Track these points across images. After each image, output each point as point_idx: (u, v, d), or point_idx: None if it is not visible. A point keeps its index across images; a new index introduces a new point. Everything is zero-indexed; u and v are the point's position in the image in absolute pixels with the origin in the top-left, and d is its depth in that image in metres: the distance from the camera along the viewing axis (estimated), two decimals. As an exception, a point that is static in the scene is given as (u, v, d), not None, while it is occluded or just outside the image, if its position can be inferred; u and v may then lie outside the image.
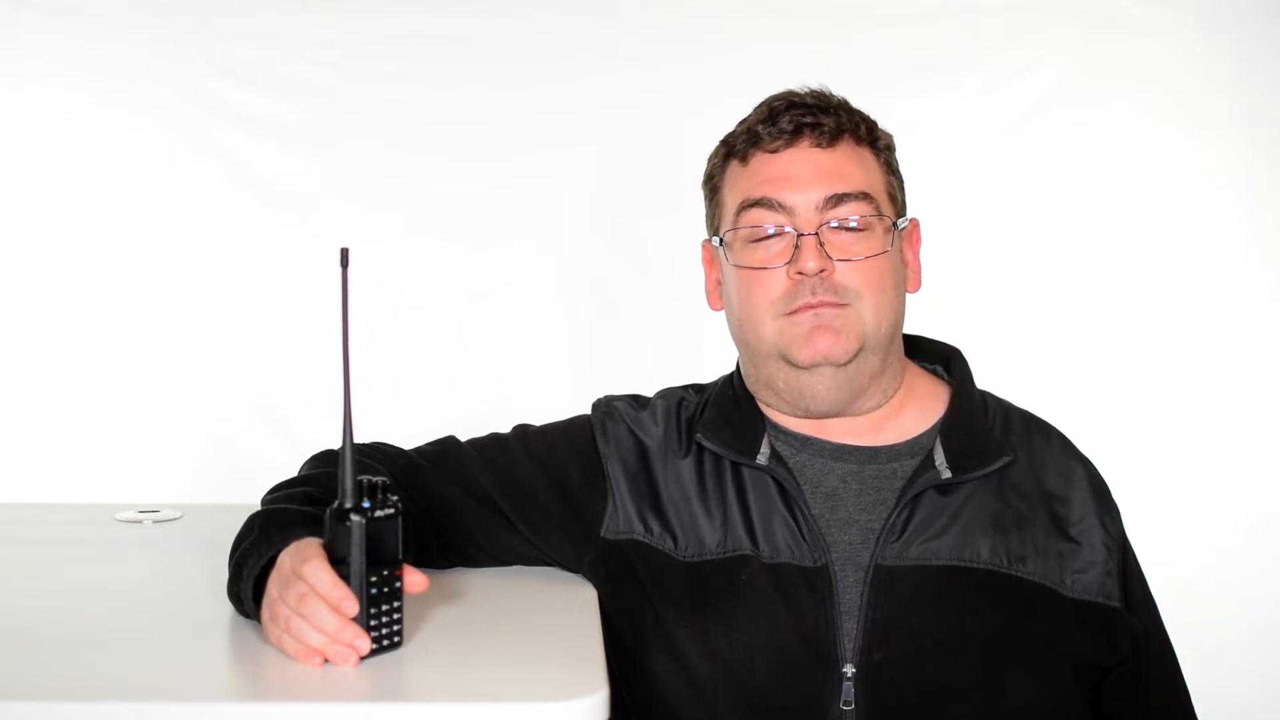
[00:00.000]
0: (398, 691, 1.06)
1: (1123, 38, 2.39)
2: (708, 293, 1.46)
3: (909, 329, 1.45)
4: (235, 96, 2.41)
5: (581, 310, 2.46)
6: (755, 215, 1.36)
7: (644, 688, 1.34)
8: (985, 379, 1.46)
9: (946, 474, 1.33)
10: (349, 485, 1.09)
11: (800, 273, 1.33)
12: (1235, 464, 2.38)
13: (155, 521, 1.71)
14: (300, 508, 1.23)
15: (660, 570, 1.36)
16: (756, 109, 1.41)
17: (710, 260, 1.46)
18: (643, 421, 1.43)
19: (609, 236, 2.45)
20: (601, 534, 1.39)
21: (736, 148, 1.40)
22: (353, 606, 1.07)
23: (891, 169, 1.41)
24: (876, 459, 1.38)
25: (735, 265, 1.38)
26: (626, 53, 2.43)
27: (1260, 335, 2.40)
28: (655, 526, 1.37)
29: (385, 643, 1.10)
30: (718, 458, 1.39)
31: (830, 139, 1.37)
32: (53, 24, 2.38)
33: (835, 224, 1.35)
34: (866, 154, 1.39)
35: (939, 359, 1.48)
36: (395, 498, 1.11)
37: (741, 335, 1.40)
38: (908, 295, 1.42)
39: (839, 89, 1.42)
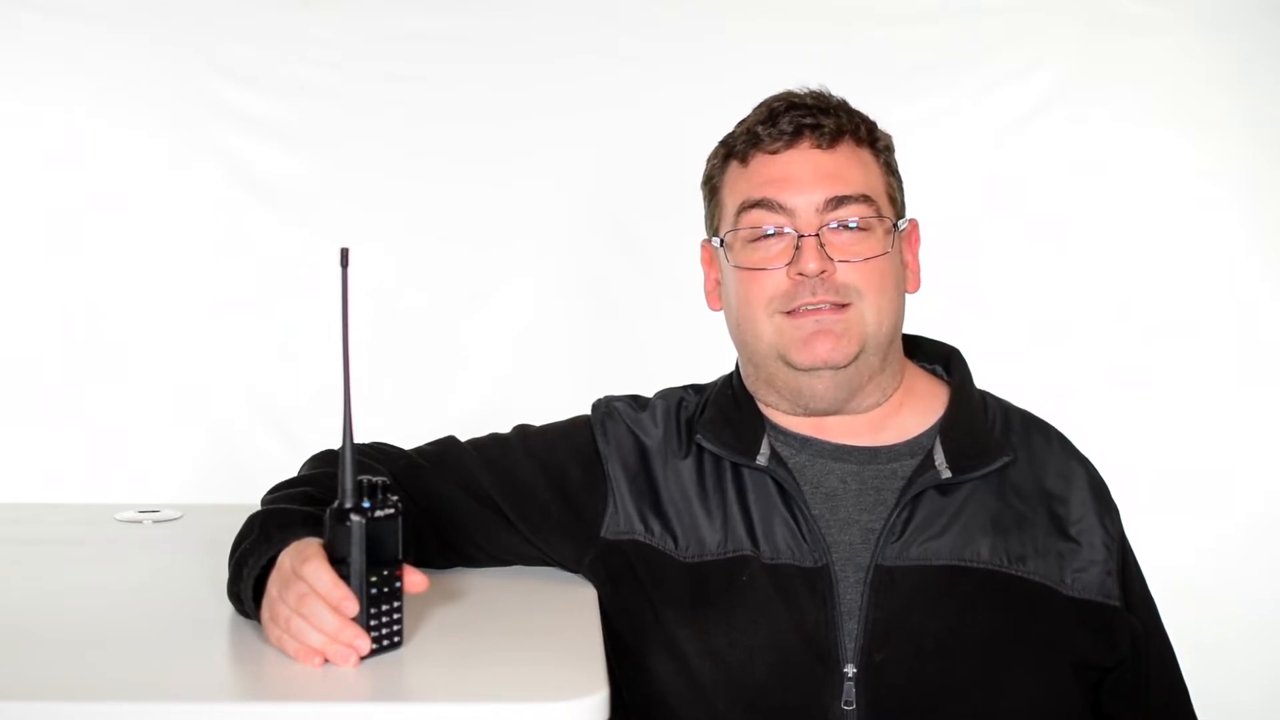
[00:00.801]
0: (398, 691, 1.06)
1: (1123, 38, 2.39)
2: (707, 293, 1.46)
3: (909, 329, 1.45)
4: (235, 96, 2.41)
5: (581, 310, 2.46)
6: (756, 216, 1.36)
7: (644, 688, 1.34)
8: (985, 379, 1.46)
9: (946, 474, 1.33)
10: (349, 485, 1.09)
11: (801, 274, 1.33)
12: (1235, 464, 2.38)
13: (155, 521, 1.71)
14: (300, 508, 1.23)
15: (660, 570, 1.36)
16: (756, 110, 1.41)
17: (709, 260, 1.46)
18: (642, 422, 1.43)
19: (609, 236, 2.45)
20: (602, 534, 1.39)
21: (736, 148, 1.40)
22: (353, 606, 1.07)
23: (891, 170, 1.41)
24: (876, 459, 1.38)
25: (735, 265, 1.38)
26: (626, 53, 2.43)
27: (1260, 335, 2.40)
28: (656, 527, 1.37)
29: (385, 643, 1.10)
30: (718, 458, 1.38)
31: (830, 140, 1.37)
32: (53, 24, 2.38)
33: (835, 225, 1.35)
34: (866, 155, 1.39)
35: (938, 359, 1.48)
36: (395, 498, 1.11)
37: (740, 335, 1.40)
38: (907, 295, 1.42)
39: (839, 89, 1.42)
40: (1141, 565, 1.41)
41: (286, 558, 1.12)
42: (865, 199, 1.36)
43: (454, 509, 1.40)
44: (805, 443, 1.39)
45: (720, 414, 1.40)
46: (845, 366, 1.34)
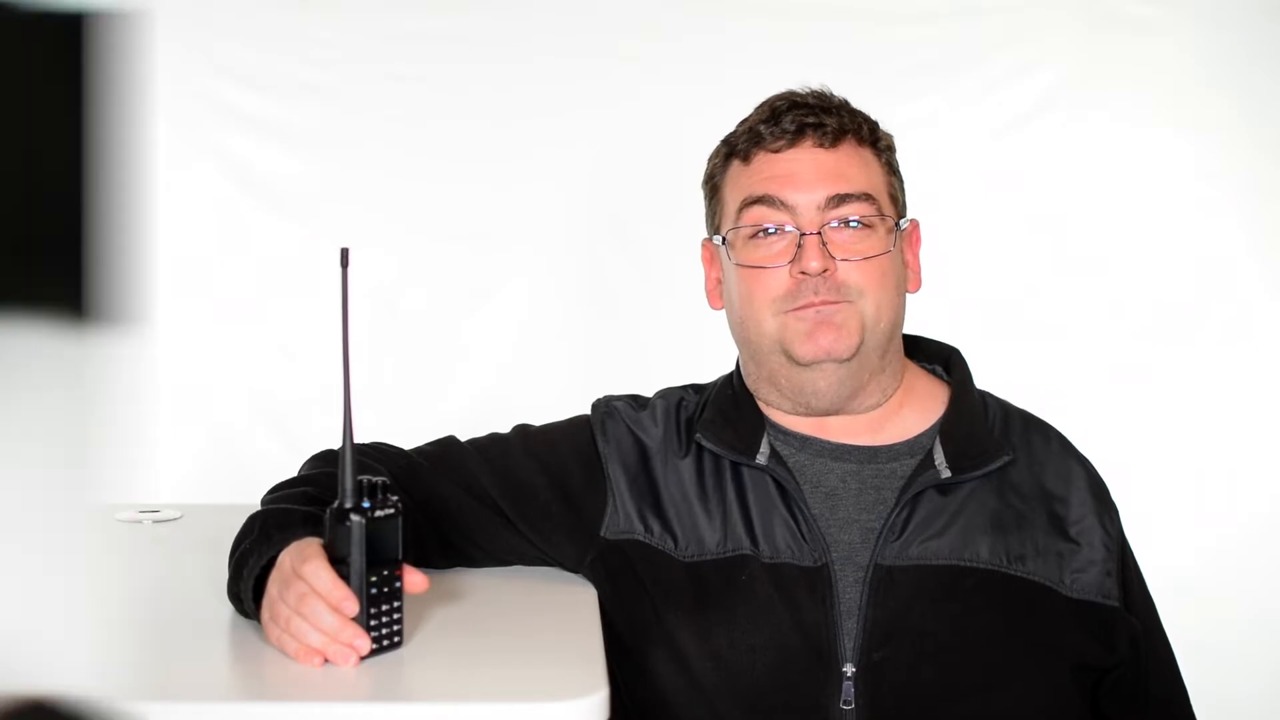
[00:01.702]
0: (398, 691, 1.06)
1: (1123, 38, 2.39)
2: (708, 292, 1.46)
3: (909, 329, 1.45)
4: (235, 96, 2.41)
5: (581, 310, 2.46)
6: (758, 213, 1.36)
7: (644, 688, 1.34)
8: (985, 379, 1.46)
9: (946, 473, 1.33)
10: (349, 485, 1.08)
11: (804, 272, 1.33)
12: (1235, 465, 2.38)
13: (155, 521, 1.71)
14: (300, 507, 1.22)
15: (660, 570, 1.35)
16: (758, 109, 1.41)
17: (710, 259, 1.46)
18: (642, 422, 1.43)
19: (608, 236, 2.45)
20: (601, 534, 1.39)
21: (738, 147, 1.40)
22: (353, 606, 1.07)
23: (893, 169, 1.41)
24: (876, 459, 1.38)
25: (737, 263, 1.38)
26: (626, 53, 2.43)
27: (1260, 336, 2.40)
28: (655, 526, 1.37)
29: (385, 643, 1.10)
30: (717, 458, 1.38)
31: (833, 139, 1.37)
32: (52, 24, 2.38)
33: (837, 223, 1.35)
34: (868, 154, 1.39)
35: (938, 359, 1.48)
36: (395, 498, 1.11)
37: (743, 333, 1.40)
38: (908, 296, 1.42)
39: (839, 89, 1.42)
40: (1141, 565, 1.41)
41: (286, 558, 1.12)
42: (867, 197, 1.36)
43: (454, 509, 1.40)
44: (805, 442, 1.39)
45: (720, 413, 1.40)
46: (848, 360, 1.34)
